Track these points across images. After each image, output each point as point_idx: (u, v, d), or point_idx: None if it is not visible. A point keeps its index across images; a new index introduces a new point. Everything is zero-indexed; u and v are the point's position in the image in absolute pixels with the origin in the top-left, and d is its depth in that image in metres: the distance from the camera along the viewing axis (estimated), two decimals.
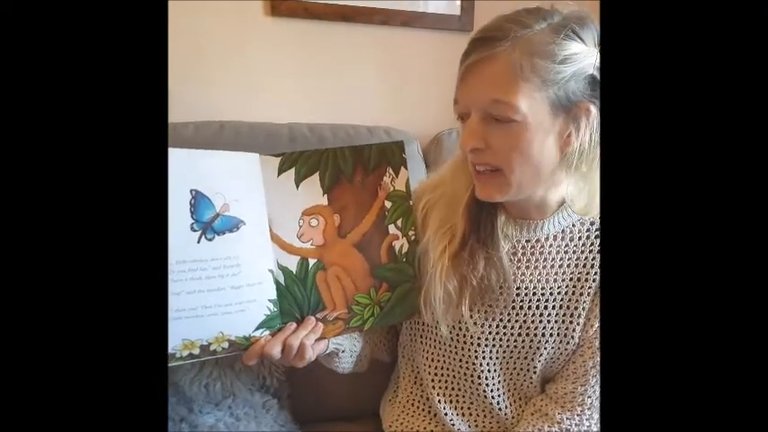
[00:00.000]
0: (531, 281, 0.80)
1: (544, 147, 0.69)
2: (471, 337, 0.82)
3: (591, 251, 0.80)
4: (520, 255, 0.80)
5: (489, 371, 0.84)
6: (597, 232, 0.80)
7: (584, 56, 0.67)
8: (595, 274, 0.79)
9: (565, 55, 0.66)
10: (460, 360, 0.84)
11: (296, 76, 1.32)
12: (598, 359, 0.79)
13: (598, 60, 0.67)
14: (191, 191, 0.69)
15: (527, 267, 0.80)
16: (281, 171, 0.74)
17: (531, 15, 0.67)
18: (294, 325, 0.75)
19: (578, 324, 0.80)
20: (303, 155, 0.74)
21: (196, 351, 0.70)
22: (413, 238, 0.80)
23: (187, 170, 0.68)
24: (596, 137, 0.68)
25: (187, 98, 1.20)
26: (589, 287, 0.79)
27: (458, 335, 0.83)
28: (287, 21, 1.28)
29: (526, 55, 0.65)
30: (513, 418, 0.87)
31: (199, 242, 0.69)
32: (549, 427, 0.82)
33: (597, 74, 0.67)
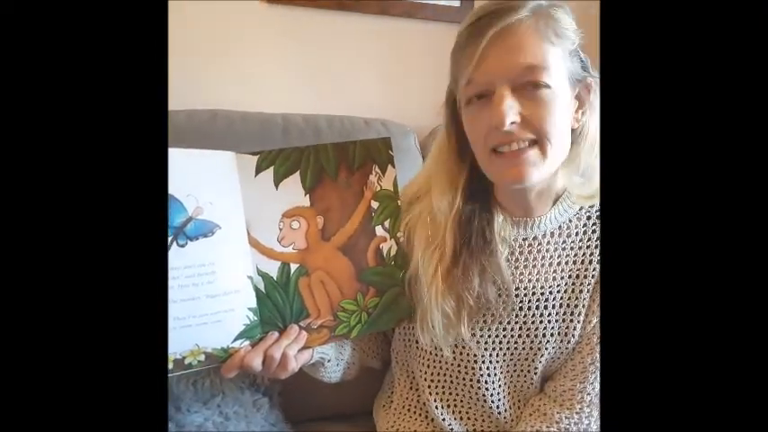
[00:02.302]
0: (529, 281, 0.74)
1: (567, 120, 0.66)
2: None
3: (588, 246, 0.74)
4: (518, 254, 0.74)
5: (490, 375, 0.78)
6: (594, 227, 0.74)
7: (576, 35, 0.66)
8: (594, 269, 0.73)
9: (573, 28, 0.65)
10: (459, 365, 0.78)
11: (292, 66, 1.24)
12: (596, 355, 0.74)
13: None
14: None
15: (525, 267, 0.74)
16: (258, 170, 0.66)
17: None
18: (276, 334, 0.68)
19: (579, 322, 0.74)
20: (282, 153, 0.66)
21: (169, 366, 0.63)
22: (402, 239, 0.72)
23: None
24: (594, 118, 0.67)
25: (180, 86, 1.10)
26: (588, 283, 0.73)
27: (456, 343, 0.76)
28: (283, 8, 1.21)
29: (551, 20, 0.63)
30: (512, 420, 0.81)
31: (170, 249, 0.61)
32: (547, 426, 0.76)
33: (582, 56, 0.67)
